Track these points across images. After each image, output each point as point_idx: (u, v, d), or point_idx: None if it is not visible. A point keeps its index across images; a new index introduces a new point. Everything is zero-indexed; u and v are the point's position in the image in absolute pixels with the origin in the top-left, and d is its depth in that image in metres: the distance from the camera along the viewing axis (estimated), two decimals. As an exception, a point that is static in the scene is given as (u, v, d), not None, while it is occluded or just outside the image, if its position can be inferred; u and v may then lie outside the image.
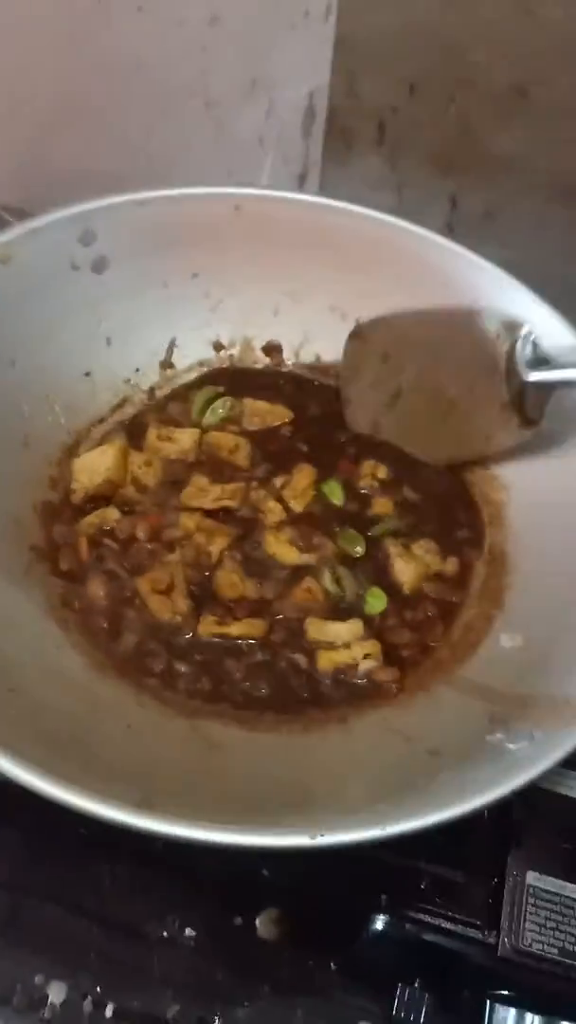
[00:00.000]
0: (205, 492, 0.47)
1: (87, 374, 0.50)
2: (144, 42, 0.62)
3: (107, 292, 0.50)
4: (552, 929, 0.39)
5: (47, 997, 0.44)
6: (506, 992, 0.39)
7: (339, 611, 0.44)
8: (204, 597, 0.44)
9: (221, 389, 0.52)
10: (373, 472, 0.50)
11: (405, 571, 0.46)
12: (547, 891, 0.39)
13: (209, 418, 0.51)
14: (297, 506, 0.47)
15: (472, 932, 0.39)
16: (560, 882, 0.39)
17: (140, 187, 0.69)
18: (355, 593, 0.45)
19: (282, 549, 0.46)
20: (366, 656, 0.43)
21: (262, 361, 0.54)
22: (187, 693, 0.41)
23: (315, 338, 0.54)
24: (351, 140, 0.60)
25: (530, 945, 0.38)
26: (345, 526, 0.47)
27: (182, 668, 0.42)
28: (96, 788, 0.32)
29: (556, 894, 0.39)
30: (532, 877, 0.40)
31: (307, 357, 0.54)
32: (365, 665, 0.42)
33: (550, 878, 0.40)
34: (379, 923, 0.40)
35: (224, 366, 0.54)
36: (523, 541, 0.46)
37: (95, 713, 0.39)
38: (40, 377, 0.47)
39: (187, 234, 0.51)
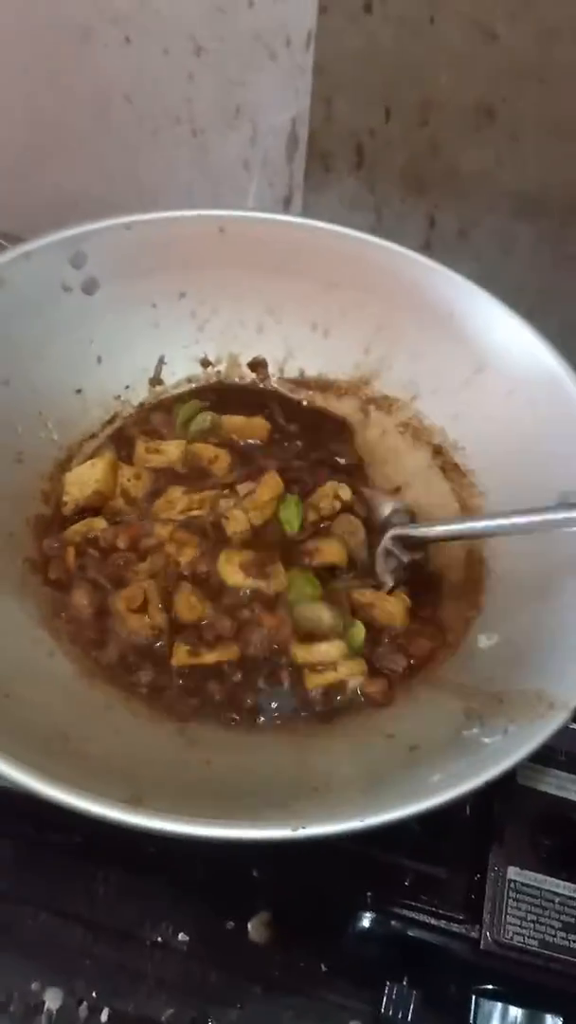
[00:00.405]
0: (174, 503, 0.47)
1: (79, 391, 0.51)
2: (131, 71, 0.64)
3: (97, 312, 0.51)
4: (532, 922, 0.40)
5: (44, 1003, 0.45)
6: (490, 987, 0.40)
7: (315, 636, 0.44)
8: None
9: (206, 403, 0.54)
10: (335, 492, 0.49)
11: (391, 615, 0.46)
12: (527, 885, 0.40)
13: (192, 430, 0.52)
14: (256, 518, 0.47)
15: (455, 927, 0.40)
16: (540, 876, 0.41)
17: (128, 211, 0.71)
18: (335, 627, 0.45)
19: (231, 572, 0.45)
20: (353, 674, 0.43)
21: (248, 376, 0.56)
22: (173, 704, 0.42)
23: (298, 354, 0.55)
24: (331, 163, 0.62)
25: (511, 938, 0.39)
26: (304, 565, 0.46)
27: (166, 684, 0.42)
28: (88, 787, 0.33)
29: (536, 888, 0.40)
30: (513, 872, 0.41)
31: (291, 372, 0.56)
32: (354, 683, 0.43)
33: (530, 872, 0.41)
34: (365, 920, 0.41)
35: (211, 382, 0.55)
36: (499, 546, 0.47)
37: (86, 718, 0.40)
38: (33, 395, 0.49)
39: (174, 255, 0.52)
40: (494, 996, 0.40)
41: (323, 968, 0.45)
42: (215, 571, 0.45)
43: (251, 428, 0.53)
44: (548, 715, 0.36)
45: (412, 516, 0.50)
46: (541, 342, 0.48)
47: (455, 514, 0.50)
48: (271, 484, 0.48)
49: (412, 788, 0.34)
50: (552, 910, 0.40)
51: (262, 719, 0.42)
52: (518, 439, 0.48)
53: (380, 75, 0.56)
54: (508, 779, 0.37)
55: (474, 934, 0.40)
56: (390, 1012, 0.40)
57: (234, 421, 0.53)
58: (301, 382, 0.56)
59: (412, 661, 0.44)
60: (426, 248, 0.63)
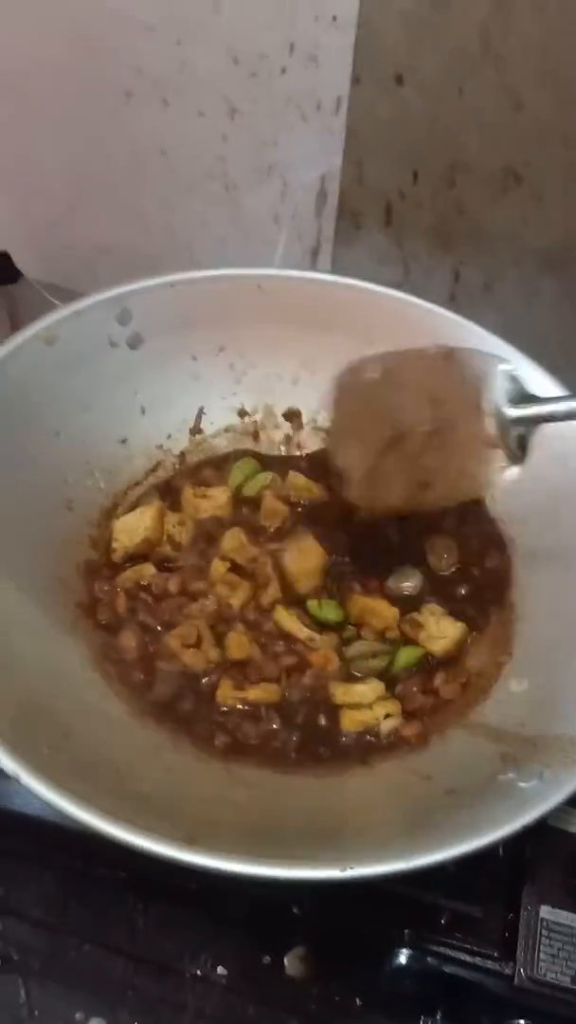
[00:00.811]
0: (242, 544, 0.49)
1: (123, 441, 0.53)
2: (168, 131, 0.67)
3: (141, 366, 0.53)
4: (564, 959, 0.41)
5: (87, 1033, 0.46)
6: (522, 1021, 0.41)
7: (352, 676, 0.47)
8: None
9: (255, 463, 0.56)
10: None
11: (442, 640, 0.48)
12: (559, 923, 0.42)
13: (249, 486, 0.54)
14: (301, 587, 0.49)
15: (490, 963, 0.41)
16: (571, 915, 0.42)
17: (163, 261, 0.74)
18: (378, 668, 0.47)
19: (287, 619, 0.47)
20: (387, 716, 0.45)
21: (283, 426, 0.58)
22: (216, 744, 0.44)
23: (332, 404, 0.58)
24: (360, 221, 0.65)
25: (544, 975, 0.40)
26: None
27: (208, 721, 0.44)
28: (145, 825, 0.34)
29: (568, 926, 0.42)
30: (545, 911, 0.42)
31: (324, 422, 0.58)
32: (388, 724, 0.45)
33: (562, 911, 0.42)
34: (402, 957, 0.42)
35: (249, 433, 0.57)
36: (529, 591, 0.48)
37: (139, 757, 0.41)
38: (82, 446, 0.51)
39: (214, 312, 0.55)
40: (526, 1030, 0.41)
41: (359, 1003, 0.46)
42: (267, 615, 0.47)
43: (311, 491, 0.54)
44: (582, 761, 0.37)
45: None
46: (565, 395, 0.51)
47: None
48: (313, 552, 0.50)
49: (453, 831, 0.36)
50: (583, 948, 0.41)
51: (302, 760, 0.44)
52: (543, 490, 0.50)
53: (410, 140, 0.59)
54: (540, 822, 0.38)
55: (508, 970, 0.41)
56: (424, 1046, 0.41)
57: (298, 480, 0.55)
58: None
59: (435, 701, 0.46)
60: (451, 300, 0.66)
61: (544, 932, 0.42)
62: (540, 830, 0.43)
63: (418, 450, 0.47)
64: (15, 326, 0.64)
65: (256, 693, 0.45)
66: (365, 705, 0.45)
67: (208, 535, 0.51)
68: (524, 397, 0.46)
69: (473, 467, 0.47)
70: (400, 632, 0.48)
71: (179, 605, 0.47)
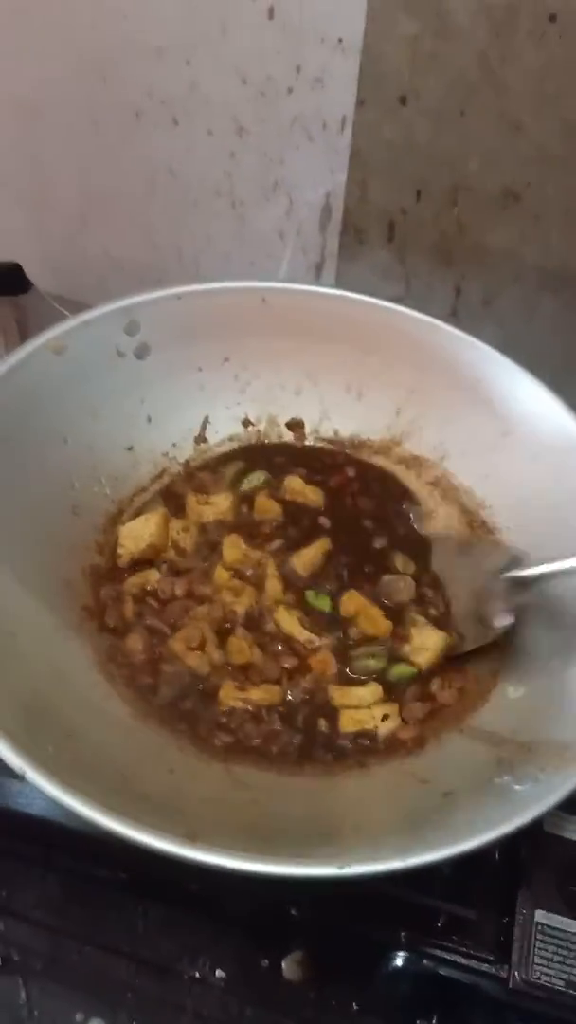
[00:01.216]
0: (231, 553, 0.50)
1: (129, 448, 0.54)
2: (177, 149, 0.69)
3: (148, 376, 0.55)
4: (559, 963, 0.41)
5: (87, 1033, 0.46)
6: (517, 1025, 0.42)
7: (352, 679, 0.48)
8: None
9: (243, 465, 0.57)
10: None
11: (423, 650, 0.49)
12: (553, 928, 0.42)
13: (244, 487, 0.55)
14: (303, 571, 0.50)
15: (485, 966, 0.42)
16: (566, 919, 0.42)
17: (170, 274, 0.75)
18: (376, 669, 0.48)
19: (289, 622, 0.48)
20: (385, 717, 0.45)
21: (286, 435, 0.59)
22: (218, 745, 0.44)
23: (334, 415, 0.59)
24: (364, 237, 0.66)
25: (539, 978, 0.41)
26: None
27: (213, 727, 0.45)
28: (147, 822, 0.35)
29: (562, 931, 0.42)
30: (540, 915, 0.42)
31: (327, 432, 0.59)
32: (385, 727, 0.45)
33: (556, 916, 0.42)
34: (398, 959, 0.43)
35: (252, 442, 0.59)
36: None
37: (142, 757, 0.42)
38: (89, 452, 0.52)
39: (219, 323, 0.56)
40: (521, 1034, 0.41)
41: (355, 1006, 0.47)
42: (269, 619, 0.48)
43: (306, 495, 0.56)
44: (576, 764, 0.38)
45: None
46: (564, 409, 0.52)
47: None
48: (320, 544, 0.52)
49: (450, 831, 0.36)
50: (577, 951, 0.42)
51: (302, 761, 0.44)
52: (543, 502, 0.51)
53: (413, 161, 0.61)
54: (535, 826, 0.39)
55: (503, 974, 0.41)
56: (419, 1050, 0.41)
57: (294, 483, 0.56)
58: (336, 441, 0.59)
59: (432, 707, 0.46)
60: (452, 315, 0.67)
61: (539, 936, 0.42)
62: (535, 835, 0.44)
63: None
64: (24, 336, 0.65)
65: (258, 694, 0.46)
66: (364, 707, 0.46)
67: (212, 540, 0.52)
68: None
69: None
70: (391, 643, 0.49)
71: (184, 608, 0.48)
